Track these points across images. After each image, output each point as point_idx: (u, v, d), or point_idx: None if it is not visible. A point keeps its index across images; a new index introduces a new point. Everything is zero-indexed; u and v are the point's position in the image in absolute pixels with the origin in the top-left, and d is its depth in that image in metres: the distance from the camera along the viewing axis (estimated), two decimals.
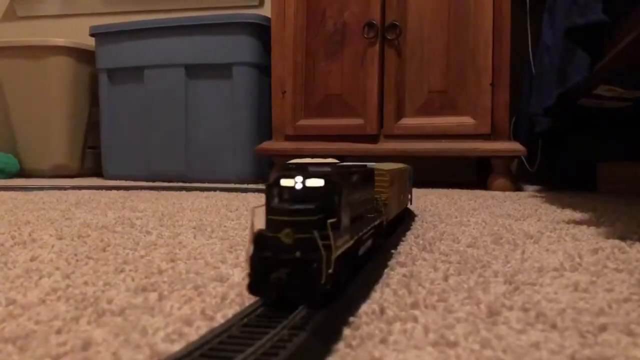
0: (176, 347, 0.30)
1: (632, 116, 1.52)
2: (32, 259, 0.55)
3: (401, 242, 0.65)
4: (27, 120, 2.33)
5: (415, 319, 0.35)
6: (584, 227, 0.80)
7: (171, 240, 0.67)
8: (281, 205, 0.35)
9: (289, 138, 1.91)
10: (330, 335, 0.32)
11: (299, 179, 0.36)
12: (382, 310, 0.37)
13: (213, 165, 2.05)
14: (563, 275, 0.48)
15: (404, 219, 0.82)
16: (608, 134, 1.80)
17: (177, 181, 2.04)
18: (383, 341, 0.32)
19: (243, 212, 0.99)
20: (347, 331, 0.33)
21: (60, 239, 0.68)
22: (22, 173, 2.36)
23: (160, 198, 1.29)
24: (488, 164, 1.74)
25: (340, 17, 1.83)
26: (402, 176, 0.74)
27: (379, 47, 1.78)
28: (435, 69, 1.75)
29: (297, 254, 0.33)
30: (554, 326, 0.35)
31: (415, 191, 1.53)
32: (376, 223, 0.52)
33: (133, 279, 0.47)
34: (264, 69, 2.02)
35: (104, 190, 1.51)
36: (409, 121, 1.78)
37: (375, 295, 0.41)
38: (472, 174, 2.18)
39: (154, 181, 2.07)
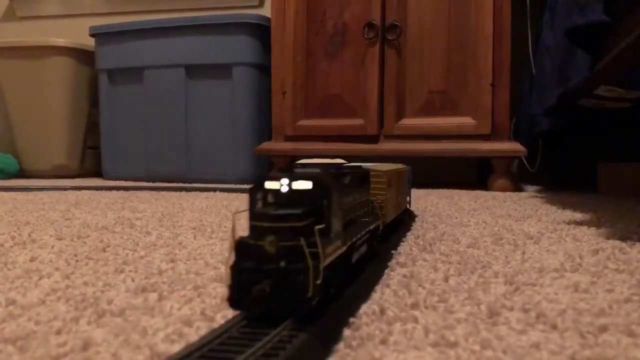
0: (176, 347, 0.30)
1: (632, 116, 1.52)
2: (32, 260, 0.55)
3: (401, 243, 0.65)
4: (26, 121, 2.33)
5: (415, 320, 0.35)
6: (585, 227, 0.80)
7: (171, 241, 0.67)
8: (264, 210, 0.32)
9: (288, 138, 1.91)
10: (330, 336, 0.32)
11: (285, 181, 0.33)
12: (383, 311, 0.37)
13: (213, 165, 2.05)
14: (563, 276, 0.48)
15: (403, 222, 0.79)
16: (608, 135, 1.80)
17: (177, 181, 2.04)
18: (383, 342, 0.31)
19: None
20: (347, 332, 0.33)
21: (60, 239, 0.68)
22: (22, 173, 2.36)
23: (160, 198, 1.29)
24: (488, 165, 1.74)
25: (340, 17, 1.83)
26: (400, 177, 0.72)
27: (379, 47, 1.78)
28: (436, 70, 1.75)
29: (282, 263, 0.30)
30: (554, 327, 0.34)
31: (416, 191, 1.53)
32: (371, 227, 0.49)
33: (133, 280, 0.47)
34: (264, 69, 2.02)
35: (103, 191, 1.51)
36: (409, 121, 1.78)
37: (376, 295, 0.41)
38: (472, 174, 2.18)
39: (153, 181, 2.07)
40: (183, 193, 1.47)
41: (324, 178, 0.34)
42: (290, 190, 0.33)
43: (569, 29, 1.12)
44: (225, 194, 1.44)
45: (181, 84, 2.07)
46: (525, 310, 0.38)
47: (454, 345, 0.31)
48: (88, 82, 2.35)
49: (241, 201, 1.23)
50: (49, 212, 0.98)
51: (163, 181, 2.07)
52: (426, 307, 0.39)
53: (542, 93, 1.54)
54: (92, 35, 2.23)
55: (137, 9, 2.59)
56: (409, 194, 0.91)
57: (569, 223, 0.85)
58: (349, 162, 0.69)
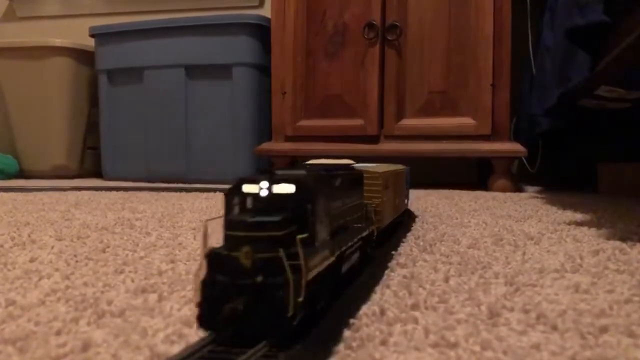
0: (176, 348, 0.30)
1: (632, 117, 1.52)
2: (32, 260, 0.55)
3: (401, 244, 0.65)
4: (26, 121, 2.33)
5: (415, 321, 0.35)
6: (585, 228, 0.80)
7: (171, 242, 0.67)
8: (240, 217, 0.29)
9: (288, 139, 1.90)
10: (330, 337, 0.32)
11: (265, 184, 0.30)
12: (383, 312, 0.37)
13: (213, 166, 2.05)
14: (564, 277, 0.48)
15: (401, 225, 0.77)
16: (609, 135, 1.80)
17: (177, 182, 2.04)
18: (383, 342, 0.31)
19: None
20: (347, 333, 0.33)
21: (60, 240, 0.68)
22: (22, 174, 2.36)
23: (160, 199, 1.29)
24: (489, 165, 1.74)
25: (340, 17, 1.83)
26: (397, 179, 0.69)
27: (379, 47, 1.78)
28: (436, 70, 1.75)
29: (258, 278, 0.27)
30: (554, 327, 0.34)
31: (416, 192, 1.53)
32: (365, 234, 0.46)
33: (133, 280, 0.47)
34: (264, 70, 2.02)
35: (103, 191, 1.51)
36: (409, 122, 1.78)
37: (376, 296, 0.41)
38: (472, 174, 2.18)
39: (153, 182, 2.07)
40: (183, 194, 1.47)
41: (309, 181, 0.31)
42: (271, 194, 0.30)
43: (569, 29, 1.12)
44: None
45: (181, 84, 2.07)
46: (526, 311, 0.38)
47: (454, 346, 0.31)
48: (88, 82, 2.35)
49: None
50: (48, 212, 0.98)
51: (163, 181, 2.07)
52: (426, 308, 0.38)
53: (542, 93, 1.54)
54: (92, 36, 2.23)
55: (137, 9, 2.59)
56: (407, 195, 0.91)
57: (569, 224, 0.85)
58: (355, 163, 0.68)
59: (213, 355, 0.27)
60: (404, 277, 0.48)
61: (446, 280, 0.47)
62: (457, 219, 0.92)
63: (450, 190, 1.63)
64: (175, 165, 2.09)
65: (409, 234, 0.72)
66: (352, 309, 0.37)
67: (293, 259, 0.28)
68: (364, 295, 0.41)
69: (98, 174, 2.35)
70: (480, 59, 1.69)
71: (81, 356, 0.29)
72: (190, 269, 0.51)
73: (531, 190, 1.77)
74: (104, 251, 0.60)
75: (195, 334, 0.33)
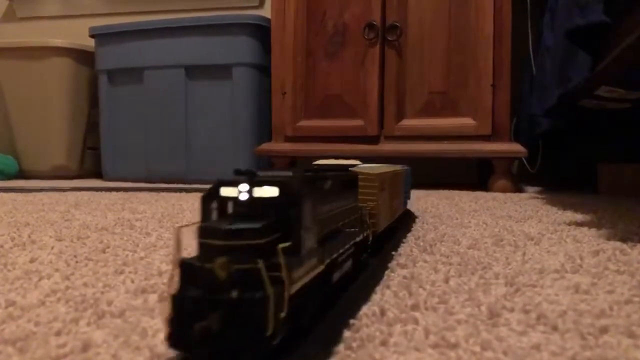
0: None
1: (632, 117, 1.52)
2: (32, 261, 0.55)
3: (402, 244, 0.65)
4: (26, 122, 2.33)
5: (415, 321, 0.35)
6: (585, 228, 0.80)
7: (171, 242, 0.67)
8: (215, 223, 0.26)
9: (288, 139, 1.90)
10: (330, 338, 0.31)
11: (244, 187, 0.28)
12: (383, 312, 0.37)
13: (213, 166, 2.05)
14: (564, 277, 0.48)
15: (399, 228, 0.74)
16: (609, 135, 1.80)
17: (177, 182, 2.04)
18: (383, 343, 0.31)
19: None
20: (347, 333, 0.33)
21: (60, 240, 0.68)
22: (22, 174, 2.36)
23: (160, 199, 1.29)
24: (489, 165, 1.74)
25: (340, 17, 1.83)
26: (395, 180, 0.66)
27: (379, 48, 1.78)
28: (436, 70, 1.75)
29: (234, 293, 0.24)
30: (555, 328, 0.34)
31: (416, 192, 1.53)
32: (359, 239, 0.44)
33: (133, 281, 0.46)
34: (264, 70, 2.02)
35: (103, 192, 1.51)
36: (409, 122, 1.78)
37: (376, 297, 0.41)
38: (472, 175, 2.18)
39: (153, 182, 2.07)
40: (183, 194, 1.47)
41: (294, 183, 0.29)
42: (251, 198, 0.28)
43: (569, 29, 1.12)
44: None
45: (181, 85, 2.07)
46: (526, 312, 0.38)
47: (454, 346, 0.31)
48: (88, 82, 2.35)
49: None
50: (48, 213, 0.98)
51: (163, 182, 2.07)
52: (426, 309, 0.38)
53: (543, 93, 1.54)
54: (92, 36, 2.23)
55: (136, 10, 2.59)
56: (409, 196, 0.91)
57: (569, 224, 0.85)
58: (362, 163, 0.68)
59: None
60: (404, 277, 0.48)
61: (446, 280, 0.47)
62: (457, 219, 0.92)
63: (451, 191, 1.63)
64: (175, 166, 2.10)
65: (409, 235, 0.72)
66: (352, 310, 0.37)
67: (275, 271, 0.25)
68: (364, 295, 0.41)
69: (98, 175, 2.35)
70: (481, 59, 1.69)
71: (81, 357, 0.29)
72: None
73: (531, 190, 1.77)
74: (104, 252, 0.60)
75: None
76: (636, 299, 0.41)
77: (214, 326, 0.24)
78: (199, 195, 1.43)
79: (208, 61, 2.03)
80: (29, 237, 0.70)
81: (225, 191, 0.28)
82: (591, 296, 0.42)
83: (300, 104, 1.88)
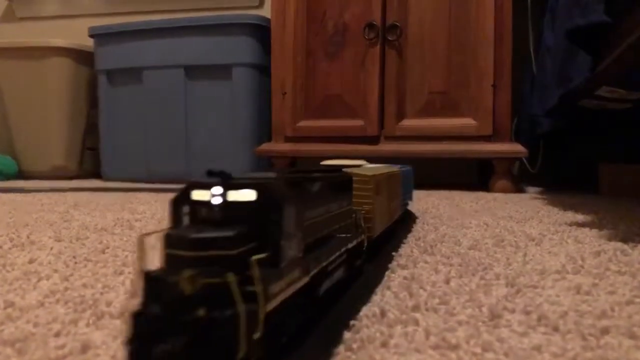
0: None
1: (633, 117, 1.52)
2: (31, 261, 0.55)
3: (402, 245, 0.65)
4: (25, 122, 2.33)
5: (416, 322, 0.35)
6: (586, 229, 0.79)
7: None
8: (182, 232, 0.23)
9: (288, 139, 1.90)
10: (330, 339, 0.31)
11: (217, 190, 0.25)
12: (383, 313, 0.37)
13: (212, 166, 2.04)
14: (565, 278, 0.48)
15: (397, 231, 0.71)
16: (609, 135, 1.80)
17: (177, 183, 2.04)
18: (384, 344, 0.31)
19: None
20: (347, 334, 0.32)
21: (59, 241, 0.68)
22: (21, 174, 2.36)
23: (159, 200, 1.29)
24: (489, 166, 1.74)
25: (340, 17, 1.83)
26: (392, 181, 0.63)
27: (379, 48, 1.78)
28: (437, 70, 1.75)
29: (200, 311, 0.22)
30: (556, 329, 0.34)
31: (417, 193, 1.53)
32: (351, 245, 0.41)
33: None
34: (263, 70, 2.02)
35: (102, 192, 1.50)
36: (409, 122, 1.78)
37: (376, 298, 0.41)
38: (473, 175, 2.18)
39: (153, 183, 2.07)
40: None
41: (275, 186, 0.26)
42: (225, 202, 0.25)
43: (569, 29, 1.11)
44: None
45: (181, 85, 2.07)
46: (527, 313, 0.38)
47: (455, 347, 0.31)
48: (87, 82, 2.35)
49: None
50: (47, 213, 0.98)
51: (163, 182, 2.07)
52: (427, 310, 0.38)
53: (543, 93, 1.53)
54: (92, 36, 2.23)
55: (136, 10, 2.59)
56: (411, 197, 0.90)
57: (570, 224, 0.85)
58: (370, 163, 0.67)
59: None
60: (405, 278, 0.48)
61: (447, 281, 0.47)
62: (457, 219, 0.92)
63: (451, 191, 1.63)
64: (175, 166, 2.09)
65: (409, 235, 0.72)
66: (352, 311, 0.37)
67: (250, 285, 0.22)
68: (364, 296, 0.41)
69: (97, 175, 2.35)
70: (481, 59, 1.69)
71: (80, 358, 0.29)
72: None
73: (532, 191, 1.77)
74: (103, 252, 0.60)
75: None
76: (637, 299, 0.41)
77: (178, 349, 0.21)
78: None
79: (208, 61, 2.02)
80: (28, 237, 0.70)
81: (197, 194, 0.26)
82: (592, 297, 0.42)
83: (300, 104, 1.88)
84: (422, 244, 0.65)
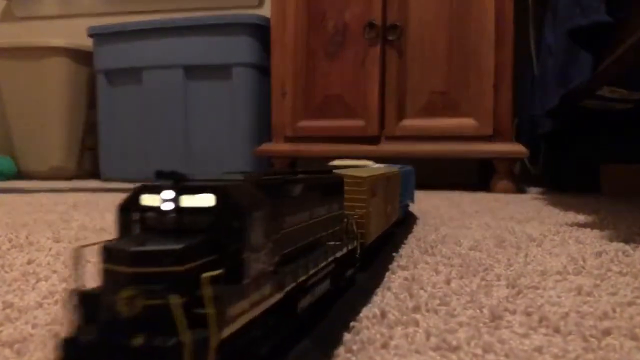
0: None
1: (634, 118, 1.51)
2: (29, 262, 0.55)
3: (403, 245, 0.64)
4: (24, 122, 2.33)
5: (416, 323, 0.35)
6: (588, 229, 0.79)
7: None
8: (122, 244, 0.20)
9: (288, 139, 1.90)
10: (330, 340, 0.31)
11: (169, 194, 0.22)
12: (383, 314, 0.36)
13: (212, 167, 2.04)
14: (566, 279, 0.48)
15: (393, 235, 0.68)
16: (611, 136, 1.80)
17: None
18: (384, 346, 0.31)
19: None
20: (347, 336, 0.32)
21: (58, 241, 0.67)
22: (20, 175, 2.36)
23: None
24: (490, 166, 1.74)
25: (340, 17, 1.83)
26: (389, 183, 0.59)
27: (379, 47, 1.78)
28: (437, 70, 1.74)
29: (138, 339, 0.18)
30: (557, 330, 0.34)
31: (417, 193, 1.52)
32: (342, 253, 0.38)
33: None
34: (263, 70, 2.01)
35: (101, 193, 1.50)
36: (410, 122, 1.78)
37: (376, 299, 0.41)
38: (474, 175, 2.18)
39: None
40: None
41: (238, 190, 0.23)
42: (178, 209, 0.22)
43: (571, 29, 1.11)
44: None
45: (180, 85, 2.07)
46: (528, 314, 0.37)
47: (455, 349, 0.31)
48: (86, 82, 2.35)
49: None
50: (46, 214, 0.98)
51: None
52: (427, 311, 0.38)
53: (545, 94, 1.53)
54: (91, 36, 2.23)
55: (135, 9, 2.58)
56: (412, 198, 0.90)
57: (571, 225, 0.85)
58: (375, 163, 0.67)
59: None
60: (405, 279, 0.47)
61: (448, 282, 0.46)
62: (458, 220, 0.92)
63: (452, 192, 1.63)
64: (174, 166, 2.08)
65: (410, 236, 0.72)
66: (352, 312, 0.36)
67: (198, 307, 0.19)
68: (365, 297, 0.40)
69: (96, 175, 2.34)
70: (482, 59, 1.69)
71: None
72: None
73: (533, 191, 1.76)
74: None
75: None
76: (639, 300, 0.41)
77: None
78: None
79: (207, 61, 2.02)
80: (27, 238, 0.69)
81: (147, 199, 0.22)
82: (594, 298, 0.42)
83: (300, 104, 1.88)
84: (422, 245, 0.65)
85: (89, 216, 0.94)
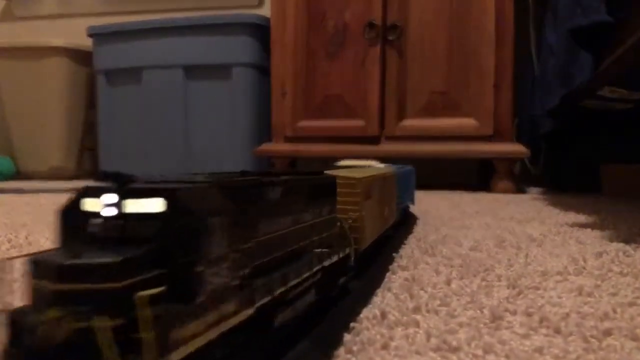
0: None
1: (635, 117, 1.51)
2: None
3: (403, 246, 0.64)
4: (23, 122, 2.33)
5: (417, 324, 0.35)
6: (588, 230, 0.79)
7: None
8: (51, 257, 0.17)
9: (288, 140, 1.90)
10: (330, 341, 0.31)
11: (110, 198, 0.19)
12: (384, 315, 0.36)
13: (212, 167, 2.04)
14: (567, 279, 0.48)
15: (391, 239, 0.65)
16: (611, 136, 1.80)
17: None
18: (384, 347, 0.31)
19: None
20: (347, 336, 0.32)
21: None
22: (19, 175, 2.35)
23: None
24: (491, 166, 1.74)
25: (340, 17, 1.82)
26: (385, 183, 0.57)
27: (380, 47, 1.78)
28: (437, 70, 1.74)
29: None
30: (557, 331, 0.34)
31: (417, 193, 1.52)
32: (330, 262, 0.35)
33: None
34: (263, 70, 2.01)
35: None
36: (410, 122, 1.77)
37: (377, 299, 0.41)
38: (474, 175, 2.18)
39: None
40: None
41: (192, 193, 0.20)
42: (121, 215, 0.19)
43: (571, 29, 1.11)
44: None
45: (180, 85, 2.07)
46: (529, 314, 0.37)
47: (456, 350, 0.31)
48: (85, 82, 2.35)
49: None
50: (46, 214, 0.98)
51: None
52: (428, 311, 0.38)
53: (545, 94, 1.53)
54: (90, 36, 2.23)
55: (135, 9, 2.58)
56: (412, 199, 0.90)
57: (572, 225, 0.84)
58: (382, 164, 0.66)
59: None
60: (405, 279, 0.47)
61: (448, 283, 0.46)
62: (458, 220, 0.91)
63: (452, 192, 1.63)
64: (174, 166, 2.09)
65: (410, 236, 0.72)
66: (352, 312, 0.36)
67: (133, 330, 0.17)
68: (365, 298, 0.40)
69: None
70: (482, 59, 1.68)
71: None
72: None
73: (533, 191, 1.76)
74: None
75: None
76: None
77: None
78: None
79: (207, 61, 2.02)
80: (26, 238, 0.69)
81: (88, 204, 0.20)
82: (594, 298, 0.42)
83: (300, 104, 1.88)
84: (422, 245, 0.65)
85: None
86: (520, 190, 1.72)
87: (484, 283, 0.46)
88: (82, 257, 0.17)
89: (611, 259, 0.57)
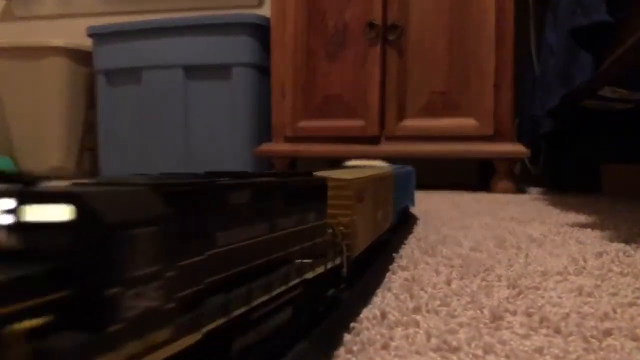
0: None
1: (635, 117, 1.51)
2: None
3: (403, 246, 0.64)
4: (23, 122, 2.32)
5: (417, 324, 0.35)
6: (588, 230, 0.79)
7: None
8: None
9: (288, 140, 1.90)
10: (330, 341, 0.31)
11: (7, 203, 0.16)
12: (384, 315, 0.36)
13: (212, 167, 2.04)
14: (567, 279, 0.48)
15: (388, 244, 0.62)
16: (611, 136, 1.80)
17: None
18: (384, 347, 0.31)
19: None
20: (347, 337, 0.32)
21: None
22: None
23: None
24: (491, 166, 1.74)
25: (341, 17, 1.82)
26: (381, 185, 0.54)
27: (380, 47, 1.78)
28: (437, 70, 1.74)
29: None
30: (558, 331, 0.34)
31: (417, 193, 1.52)
32: (314, 274, 0.32)
33: None
34: (263, 70, 2.01)
35: None
36: (410, 122, 1.77)
37: (377, 299, 0.41)
38: (474, 176, 2.17)
39: None
40: None
41: (114, 198, 0.17)
42: (19, 224, 0.16)
43: (571, 29, 1.11)
44: None
45: (180, 85, 2.07)
46: (529, 314, 0.37)
47: (456, 350, 0.31)
48: (85, 82, 2.35)
49: None
50: None
51: None
52: (428, 311, 0.38)
53: (546, 94, 1.53)
54: (90, 36, 2.22)
55: (135, 9, 2.58)
56: (412, 200, 0.90)
57: (572, 225, 0.84)
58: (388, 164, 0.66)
59: None
60: (406, 279, 0.47)
61: (448, 283, 0.46)
62: (459, 220, 0.91)
63: (452, 192, 1.63)
64: (174, 166, 2.09)
65: (410, 236, 0.72)
66: (352, 313, 0.36)
67: None
68: (365, 298, 0.40)
69: (96, 176, 2.34)
70: (483, 59, 1.68)
71: None
72: None
73: (534, 191, 1.76)
74: None
75: None
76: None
77: None
78: None
79: (207, 61, 2.02)
80: None
81: None
82: (595, 299, 0.42)
83: (300, 104, 1.88)
84: (423, 245, 0.65)
85: None
86: (520, 190, 1.72)
87: (484, 283, 0.46)
88: None
89: (611, 259, 0.57)
